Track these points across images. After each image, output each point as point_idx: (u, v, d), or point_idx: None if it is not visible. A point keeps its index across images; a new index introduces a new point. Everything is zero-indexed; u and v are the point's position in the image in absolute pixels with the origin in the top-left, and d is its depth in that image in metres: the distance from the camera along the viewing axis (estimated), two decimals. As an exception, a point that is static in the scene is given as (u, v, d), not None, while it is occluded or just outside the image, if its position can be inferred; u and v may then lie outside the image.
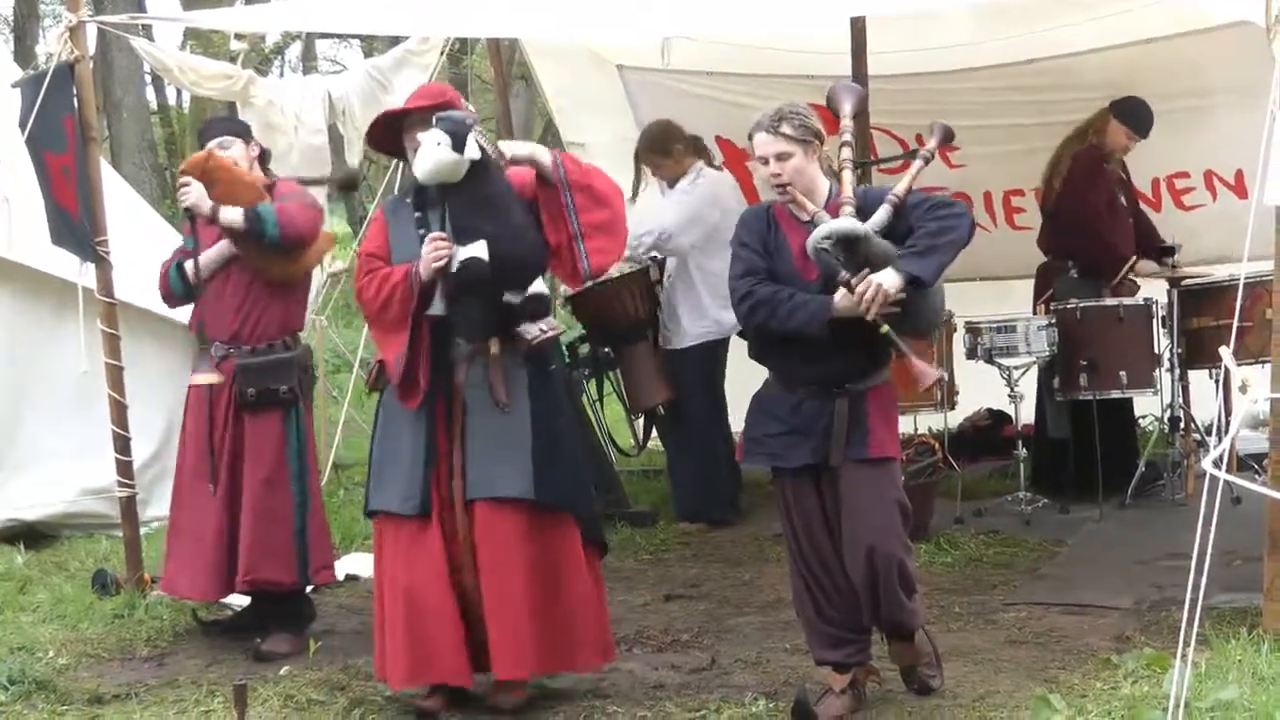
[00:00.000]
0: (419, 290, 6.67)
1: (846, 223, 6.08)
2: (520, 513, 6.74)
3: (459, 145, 6.41)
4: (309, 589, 8.24)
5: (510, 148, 6.69)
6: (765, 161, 6.34)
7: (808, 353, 6.25)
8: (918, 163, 6.43)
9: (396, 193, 7.16)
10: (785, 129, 6.27)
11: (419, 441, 6.79)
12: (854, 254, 6.06)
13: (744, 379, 6.67)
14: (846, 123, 6.62)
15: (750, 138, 6.42)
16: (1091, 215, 10.54)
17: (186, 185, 7.72)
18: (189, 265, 7.92)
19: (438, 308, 6.72)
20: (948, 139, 6.69)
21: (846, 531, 6.34)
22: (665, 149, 10.74)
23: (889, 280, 6.05)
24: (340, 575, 9.37)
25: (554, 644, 6.83)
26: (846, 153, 6.53)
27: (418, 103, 6.95)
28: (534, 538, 6.78)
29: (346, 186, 9.09)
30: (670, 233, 10.48)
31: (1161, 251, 10.48)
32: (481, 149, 6.46)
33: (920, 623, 6.65)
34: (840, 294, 6.12)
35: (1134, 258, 10.60)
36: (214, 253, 7.88)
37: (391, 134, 7.07)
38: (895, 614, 6.46)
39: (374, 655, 6.93)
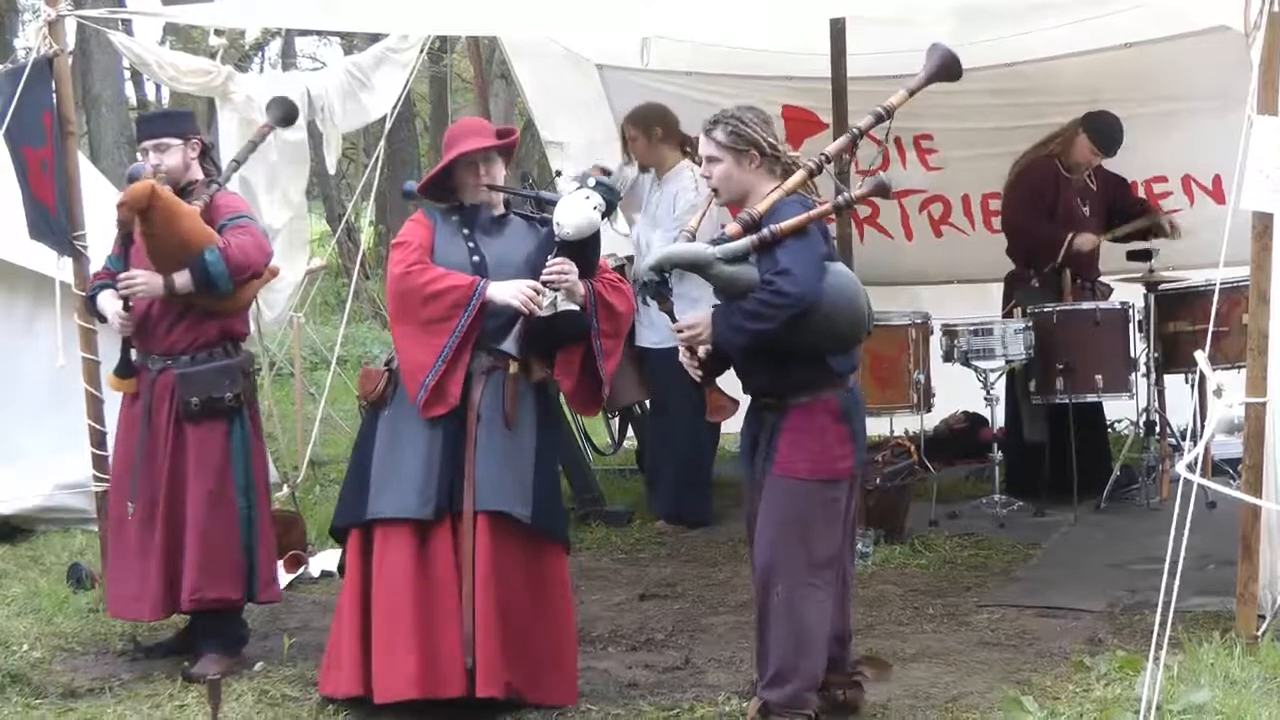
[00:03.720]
0: (478, 307, 6.69)
1: (685, 251, 6.09)
2: (521, 534, 6.76)
3: (608, 214, 6.61)
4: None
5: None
6: (702, 161, 6.39)
7: (738, 368, 6.33)
8: (826, 206, 6.27)
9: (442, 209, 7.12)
10: (717, 134, 6.23)
11: (434, 449, 6.75)
12: (704, 277, 6.11)
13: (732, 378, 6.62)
14: (896, 96, 6.45)
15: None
16: (1023, 220, 10.80)
17: (133, 281, 7.48)
18: (105, 299, 7.74)
19: (509, 345, 6.73)
20: (878, 193, 6.45)
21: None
22: (644, 125, 10.72)
23: (703, 335, 6.22)
24: (316, 572, 9.38)
25: (530, 670, 6.81)
26: (835, 146, 6.50)
27: (485, 142, 6.92)
28: (530, 563, 6.81)
29: (286, 121, 8.86)
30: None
31: (1138, 255, 10.52)
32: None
33: (782, 706, 6.22)
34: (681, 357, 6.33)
35: (1070, 235, 10.69)
36: (143, 288, 7.55)
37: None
38: (760, 662, 6.32)
39: (326, 669, 6.92)
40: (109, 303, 7.69)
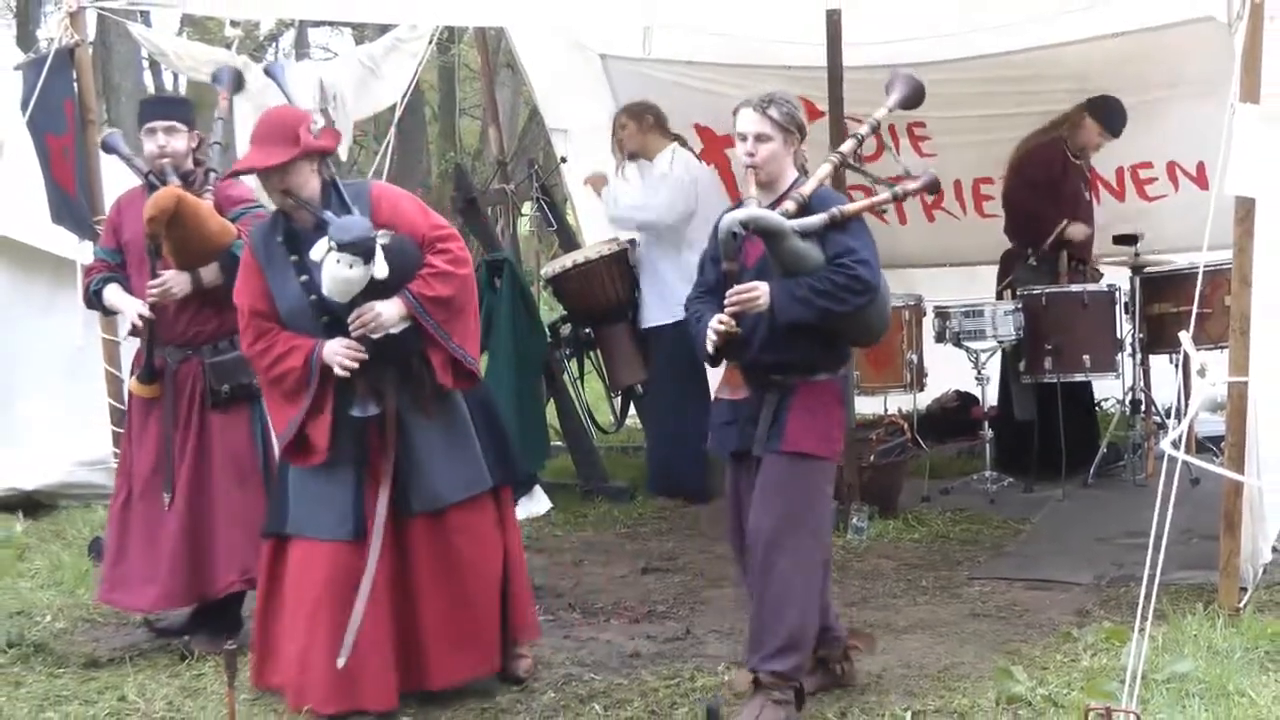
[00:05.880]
0: (319, 373, 6.44)
1: (771, 216, 6.04)
2: (454, 509, 6.62)
3: (368, 259, 6.23)
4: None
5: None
6: (744, 139, 6.29)
7: (769, 342, 6.17)
8: (885, 194, 6.42)
9: (266, 225, 6.67)
10: (772, 112, 6.22)
11: (349, 468, 6.54)
12: (773, 248, 6.04)
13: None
14: (880, 113, 6.59)
15: (735, 113, 6.36)
16: (1025, 197, 10.94)
17: (168, 288, 7.35)
18: (116, 294, 7.65)
19: (359, 409, 6.49)
20: (930, 189, 6.61)
21: (748, 522, 6.27)
22: (637, 114, 10.92)
23: (762, 300, 6.07)
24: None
25: (486, 641, 6.74)
26: (849, 145, 6.59)
27: (269, 159, 6.40)
28: (462, 531, 6.65)
29: (238, 85, 8.67)
30: (657, 212, 10.70)
31: (1124, 240, 10.67)
32: (384, 249, 6.27)
33: (783, 675, 6.19)
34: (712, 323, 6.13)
35: (1065, 222, 10.82)
36: (179, 290, 7.44)
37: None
38: (764, 634, 6.19)
39: (256, 661, 6.69)
40: (128, 301, 7.58)
